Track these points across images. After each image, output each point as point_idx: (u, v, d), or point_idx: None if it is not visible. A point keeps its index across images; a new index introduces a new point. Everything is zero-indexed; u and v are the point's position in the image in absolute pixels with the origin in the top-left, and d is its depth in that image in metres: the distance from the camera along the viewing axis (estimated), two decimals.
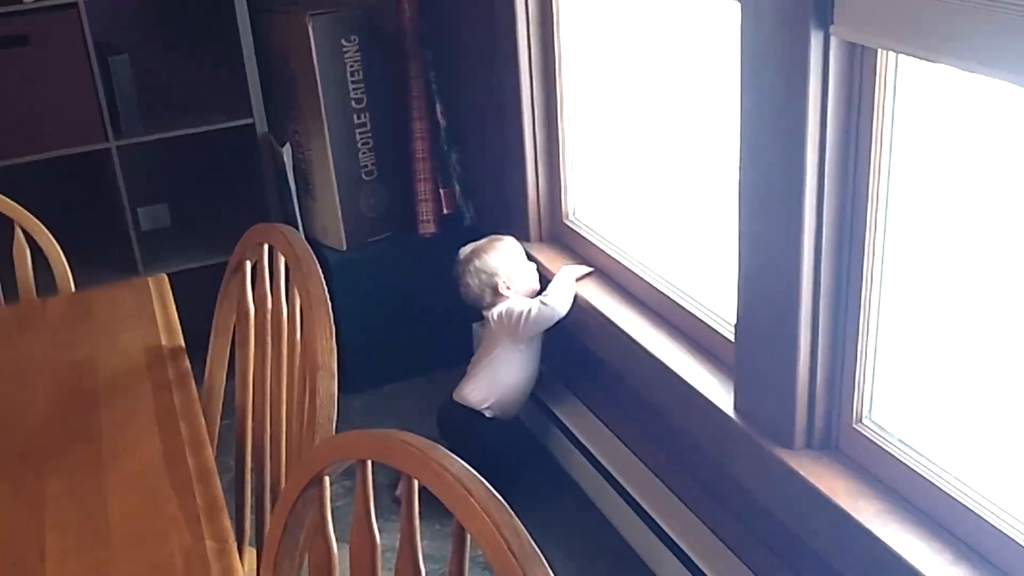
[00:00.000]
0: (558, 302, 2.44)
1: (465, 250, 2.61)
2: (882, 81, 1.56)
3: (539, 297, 2.48)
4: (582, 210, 2.66)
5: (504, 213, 2.80)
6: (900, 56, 1.53)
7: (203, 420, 1.52)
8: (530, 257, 2.62)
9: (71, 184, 3.05)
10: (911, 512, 1.65)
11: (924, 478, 1.64)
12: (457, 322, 2.91)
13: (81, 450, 1.45)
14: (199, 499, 1.33)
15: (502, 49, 2.60)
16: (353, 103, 2.84)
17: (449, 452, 0.98)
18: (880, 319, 1.70)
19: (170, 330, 1.76)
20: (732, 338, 1.98)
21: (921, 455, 1.67)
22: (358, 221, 2.94)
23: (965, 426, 1.62)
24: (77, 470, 1.41)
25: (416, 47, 2.86)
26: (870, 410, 1.76)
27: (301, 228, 2.98)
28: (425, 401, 2.78)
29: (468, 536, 0.92)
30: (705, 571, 2.02)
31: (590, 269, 2.52)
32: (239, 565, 1.23)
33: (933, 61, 1.41)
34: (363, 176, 2.92)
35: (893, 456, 1.69)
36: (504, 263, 2.56)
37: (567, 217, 2.68)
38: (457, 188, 2.98)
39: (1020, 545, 1.48)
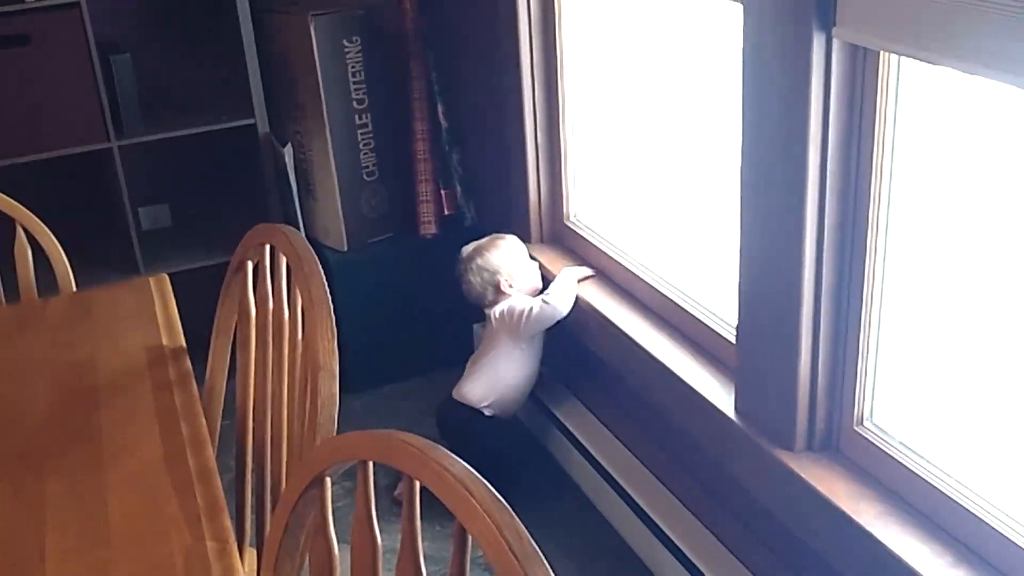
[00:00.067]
0: (560, 301, 2.44)
1: (467, 248, 2.61)
2: (884, 83, 1.56)
3: (541, 296, 2.48)
4: (583, 211, 2.66)
5: (505, 214, 2.80)
6: (902, 58, 1.53)
7: (204, 420, 1.51)
8: (531, 258, 2.62)
9: (72, 184, 3.04)
10: (912, 514, 1.65)
11: (925, 480, 1.64)
12: (458, 323, 2.91)
13: (81, 450, 1.45)
14: (200, 499, 1.33)
15: (504, 50, 2.60)
16: (355, 103, 2.84)
17: (450, 453, 0.98)
18: (881, 321, 1.70)
19: (171, 330, 1.76)
20: (733, 340, 1.98)
21: (922, 457, 1.67)
22: (359, 222, 2.94)
23: (966, 429, 1.62)
24: (77, 470, 1.41)
25: (418, 48, 2.86)
26: (871, 412, 1.76)
27: (302, 228, 2.98)
28: (426, 402, 2.78)
29: (469, 537, 0.92)
30: (705, 572, 2.02)
31: (591, 271, 2.52)
32: (239, 565, 1.23)
33: (935, 63, 1.41)
34: (364, 177, 2.92)
35: (894, 458, 1.69)
36: (506, 261, 2.56)
37: (568, 218, 2.68)
38: (458, 189, 2.98)
39: (1020, 548, 1.48)
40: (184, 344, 1.73)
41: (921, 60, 1.44)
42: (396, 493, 2.45)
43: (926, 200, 1.60)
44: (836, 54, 1.56)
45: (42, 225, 2.01)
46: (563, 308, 2.44)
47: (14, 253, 2.00)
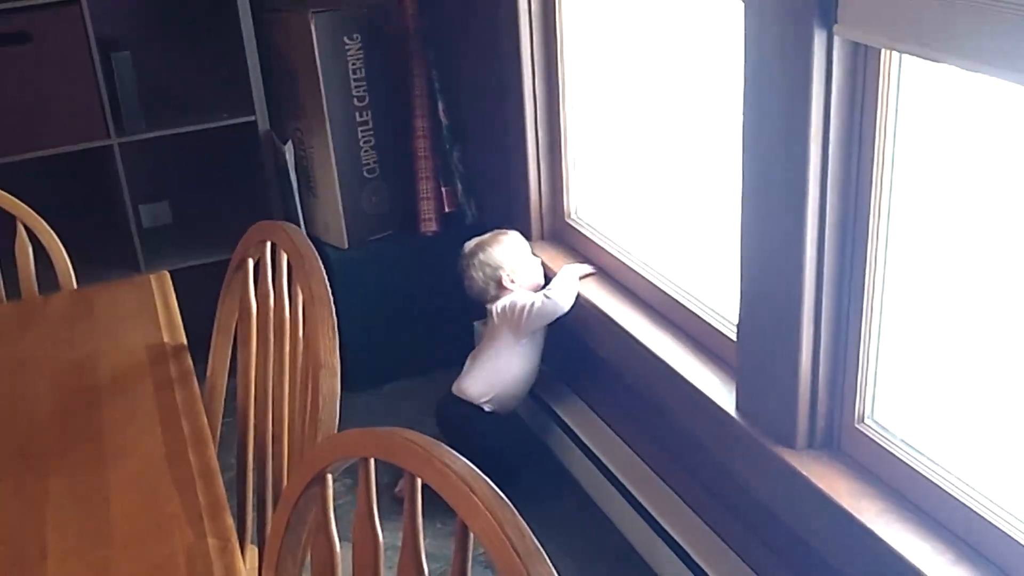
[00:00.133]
0: (561, 296, 2.44)
1: (470, 244, 2.61)
2: (885, 81, 1.56)
3: (543, 291, 2.48)
4: (584, 209, 2.66)
5: (506, 211, 2.80)
6: (904, 56, 1.53)
7: (205, 418, 1.51)
8: (533, 255, 2.62)
9: (73, 181, 3.05)
10: (913, 512, 1.65)
11: (926, 478, 1.64)
12: (459, 320, 2.91)
13: (83, 448, 1.45)
14: (201, 497, 1.33)
15: (504, 47, 2.60)
16: (355, 101, 2.84)
17: (452, 450, 0.98)
18: (883, 318, 1.70)
19: (172, 328, 1.76)
20: (734, 337, 1.98)
21: (923, 455, 1.67)
22: (360, 219, 2.94)
23: (967, 426, 1.62)
24: (79, 468, 1.41)
25: (418, 45, 2.86)
26: (872, 410, 1.76)
27: (303, 226, 2.98)
28: (427, 399, 2.78)
29: (471, 534, 0.92)
30: (706, 570, 2.02)
31: (592, 268, 2.52)
32: (241, 563, 1.23)
33: (937, 61, 1.40)
34: (365, 174, 2.92)
35: (895, 456, 1.69)
36: (508, 257, 2.56)
37: (569, 216, 2.68)
38: (459, 186, 2.98)
39: (1022, 545, 1.48)
40: (185, 342, 1.73)
41: (922, 58, 1.44)
42: (396, 491, 2.45)
43: (927, 198, 1.60)
44: (837, 52, 1.56)
45: (43, 222, 2.01)
46: (565, 304, 2.44)
47: (15, 250, 1.99)
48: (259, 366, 1.59)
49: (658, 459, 2.30)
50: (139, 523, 1.29)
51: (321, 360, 1.32)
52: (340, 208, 2.90)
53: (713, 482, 2.14)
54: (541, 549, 0.86)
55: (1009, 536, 1.50)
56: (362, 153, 2.90)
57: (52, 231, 2.00)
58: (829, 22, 1.54)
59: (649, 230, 2.41)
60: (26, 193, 2.07)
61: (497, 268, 2.54)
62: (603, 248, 2.51)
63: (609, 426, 2.46)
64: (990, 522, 1.53)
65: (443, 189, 2.96)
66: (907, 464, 1.67)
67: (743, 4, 1.70)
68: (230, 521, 1.29)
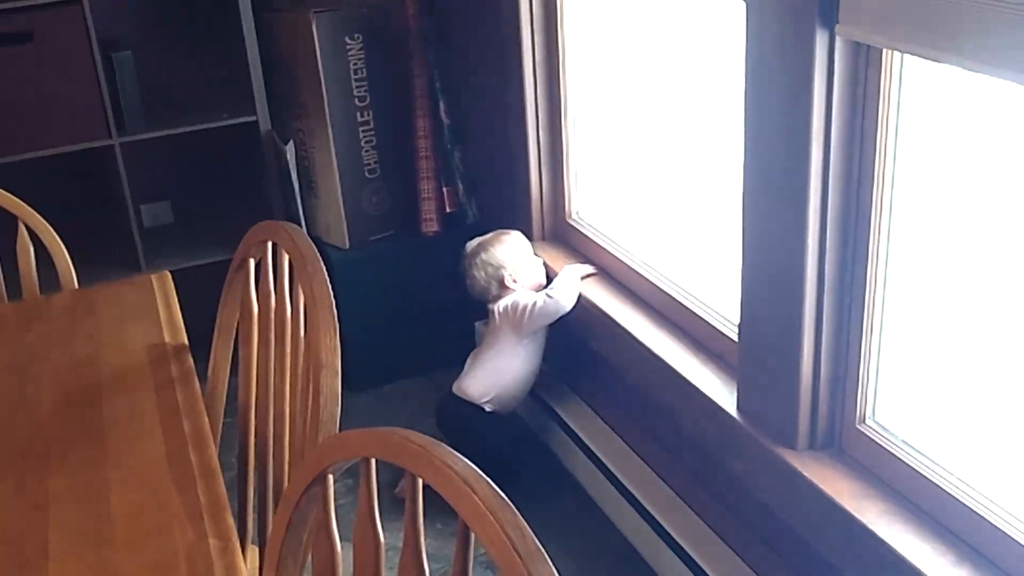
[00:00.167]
0: (564, 296, 2.44)
1: (472, 244, 2.61)
2: (887, 81, 1.56)
3: (545, 290, 2.49)
4: (585, 209, 2.66)
5: (507, 212, 2.80)
6: (905, 56, 1.53)
7: (206, 418, 1.51)
8: (535, 255, 2.62)
9: (74, 181, 3.04)
10: (914, 513, 1.65)
11: (927, 479, 1.64)
12: (460, 320, 2.91)
13: (84, 448, 1.45)
14: (202, 497, 1.33)
15: (506, 47, 2.60)
16: (356, 101, 2.84)
17: (453, 450, 0.98)
18: (884, 319, 1.70)
19: (173, 327, 1.76)
20: (735, 338, 1.98)
21: (924, 456, 1.67)
22: (361, 219, 2.94)
23: (968, 427, 1.62)
24: (80, 468, 1.41)
25: (420, 45, 2.86)
26: (873, 410, 1.76)
27: (304, 226, 2.98)
28: (427, 399, 2.78)
29: (472, 535, 0.92)
30: (707, 570, 2.02)
31: (593, 269, 2.52)
32: (242, 563, 1.23)
33: (938, 61, 1.40)
34: (366, 174, 2.92)
35: (896, 457, 1.69)
36: (511, 257, 2.56)
37: (570, 216, 2.68)
38: (460, 186, 2.98)
39: (1023, 546, 1.48)
40: (186, 341, 1.73)
41: (924, 58, 1.44)
42: (397, 491, 2.45)
43: (929, 198, 1.60)
44: (839, 52, 1.56)
45: (44, 222, 2.01)
46: (567, 303, 2.44)
47: (16, 250, 2.00)
48: (260, 366, 1.59)
49: (659, 459, 2.30)
50: (140, 523, 1.29)
51: (322, 360, 1.31)
52: (341, 208, 2.90)
53: (714, 482, 2.14)
54: (542, 549, 0.86)
55: (1010, 537, 1.50)
56: (363, 153, 2.90)
57: (53, 231, 2.00)
58: (830, 22, 1.54)
59: (650, 230, 2.41)
60: (27, 193, 2.07)
61: (499, 268, 2.54)
62: (604, 248, 2.51)
63: (610, 426, 2.46)
64: (991, 523, 1.53)
65: (444, 189, 2.96)
66: (908, 465, 1.67)
67: (744, 4, 1.70)
68: (231, 521, 1.29)
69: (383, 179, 2.95)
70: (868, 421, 1.77)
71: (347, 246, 2.94)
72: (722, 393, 2.00)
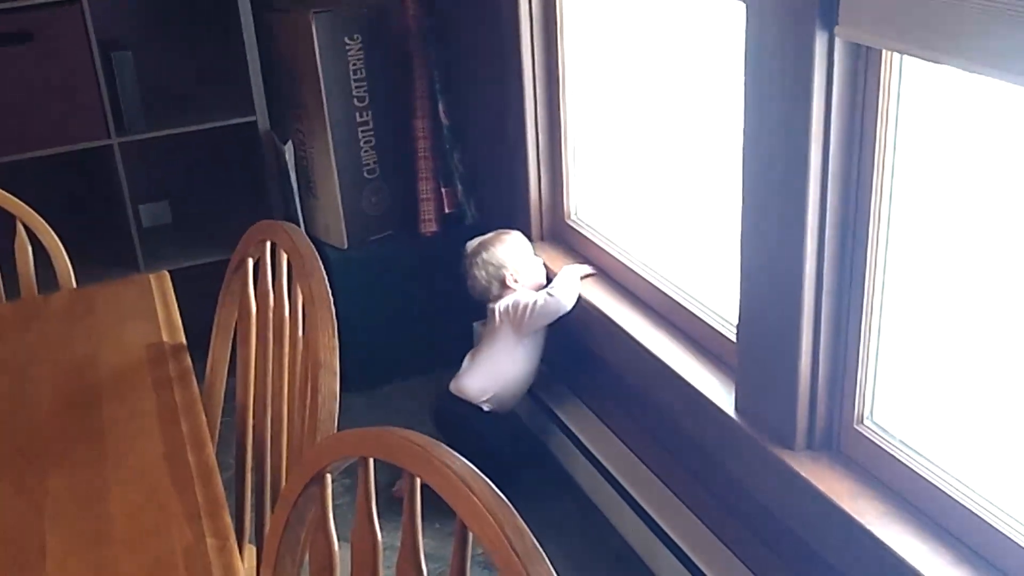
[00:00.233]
0: (564, 295, 2.44)
1: (472, 243, 2.61)
2: (886, 82, 1.56)
3: (545, 290, 2.49)
4: (584, 210, 2.66)
5: (506, 212, 2.80)
6: (905, 57, 1.53)
7: (204, 417, 1.51)
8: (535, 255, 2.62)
9: (73, 180, 3.05)
10: (912, 513, 1.65)
11: (925, 479, 1.64)
12: (459, 320, 2.91)
13: (82, 447, 1.45)
14: (200, 496, 1.33)
15: (505, 48, 2.60)
16: (356, 101, 2.84)
17: (451, 450, 0.97)
18: (882, 320, 1.70)
19: (171, 327, 1.76)
20: (734, 338, 1.98)
21: (922, 456, 1.67)
22: (360, 219, 2.94)
23: (966, 428, 1.62)
24: (78, 467, 1.41)
25: (419, 46, 2.86)
26: (871, 411, 1.76)
27: (303, 226, 2.98)
28: (427, 400, 2.78)
29: (470, 535, 0.92)
30: (705, 572, 2.02)
31: (592, 269, 2.53)
32: (240, 563, 1.23)
33: (938, 62, 1.40)
34: (365, 174, 2.92)
35: (894, 457, 1.69)
36: (511, 256, 2.56)
37: (569, 217, 2.68)
38: (459, 187, 2.98)
39: (1021, 547, 1.48)
40: (184, 341, 1.73)
41: (923, 59, 1.44)
42: (394, 490, 2.45)
43: (928, 199, 1.60)
44: (838, 53, 1.56)
45: (43, 222, 2.01)
46: (567, 302, 2.44)
47: (15, 250, 1.99)
48: (258, 366, 1.59)
49: (657, 460, 2.30)
50: (138, 522, 1.29)
51: (320, 360, 1.31)
52: (340, 208, 2.90)
53: (712, 483, 2.14)
54: (540, 549, 0.86)
55: (1008, 538, 1.50)
56: (362, 153, 2.90)
57: (52, 231, 2.00)
58: (830, 23, 1.54)
59: (649, 231, 2.41)
60: (26, 193, 2.07)
61: (500, 267, 2.54)
62: (603, 249, 2.51)
63: (608, 427, 2.46)
64: (989, 524, 1.53)
65: (443, 190, 2.96)
66: (906, 465, 1.67)
67: (744, 5, 1.70)
68: (229, 520, 1.29)
69: (382, 179, 2.95)
70: (866, 421, 1.77)
71: (346, 246, 2.94)
72: (720, 394, 2.00)
